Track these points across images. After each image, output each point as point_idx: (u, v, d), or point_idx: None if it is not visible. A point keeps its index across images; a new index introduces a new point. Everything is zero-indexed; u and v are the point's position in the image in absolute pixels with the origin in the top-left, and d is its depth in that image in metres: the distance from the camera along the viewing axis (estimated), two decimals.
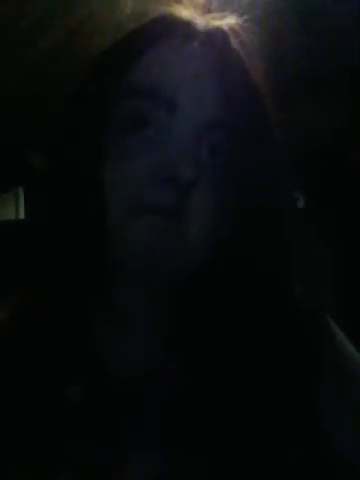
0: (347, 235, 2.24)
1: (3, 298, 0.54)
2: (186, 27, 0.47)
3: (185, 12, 0.48)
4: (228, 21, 0.47)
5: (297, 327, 0.49)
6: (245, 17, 0.47)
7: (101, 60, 0.49)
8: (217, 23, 0.47)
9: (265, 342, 0.47)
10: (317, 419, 0.46)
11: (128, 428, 0.45)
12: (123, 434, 0.45)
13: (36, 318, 0.51)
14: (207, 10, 0.49)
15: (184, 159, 0.44)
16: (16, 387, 0.47)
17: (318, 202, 2.36)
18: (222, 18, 0.48)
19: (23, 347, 0.49)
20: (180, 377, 0.46)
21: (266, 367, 0.46)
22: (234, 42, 0.46)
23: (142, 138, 0.45)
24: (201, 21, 0.47)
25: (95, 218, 0.46)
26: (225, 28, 0.46)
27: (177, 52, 0.46)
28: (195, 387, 0.45)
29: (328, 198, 2.33)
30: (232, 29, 0.47)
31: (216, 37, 0.46)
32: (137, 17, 0.48)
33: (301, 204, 2.40)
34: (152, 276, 0.47)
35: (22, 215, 2.96)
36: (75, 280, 0.50)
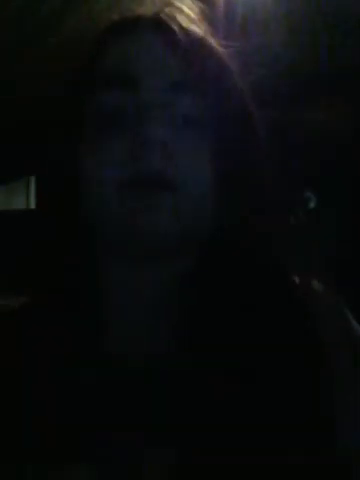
0: (358, 235, 2.22)
1: (14, 287, 0.55)
2: (131, 21, 0.51)
3: (138, 10, 0.53)
4: (172, 2, 0.52)
5: (307, 314, 0.48)
6: None
7: (79, 62, 0.54)
8: (160, 8, 0.52)
9: (274, 331, 0.47)
10: (327, 412, 0.45)
11: (137, 414, 0.45)
12: (132, 419, 0.45)
13: (44, 305, 0.51)
14: None
15: (152, 121, 0.46)
16: (27, 376, 0.48)
17: (329, 203, 2.35)
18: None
19: (33, 334, 0.50)
20: (188, 363, 0.46)
21: (275, 356, 0.46)
22: (180, 18, 0.50)
23: (116, 122, 0.48)
24: (149, 12, 0.52)
25: (87, 205, 0.49)
26: (167, 10, 0.51)
27: (128, 42, 0.50)
28: (206, 379, 0.45)
29: (339, 199, 2.32)
30: (175, 8, 0.51)
31: (160, 19, 0.50)
32: None
33: (312, 204, 2.40)
34: (159, 251, 0.47)
35: (33, 203, 2.97)
36: (79, 269, 0.51)
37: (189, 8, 0.52)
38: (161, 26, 0.49)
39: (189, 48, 0.48)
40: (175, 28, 0.49)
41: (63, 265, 0.52)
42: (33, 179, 2.95)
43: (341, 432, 0.46)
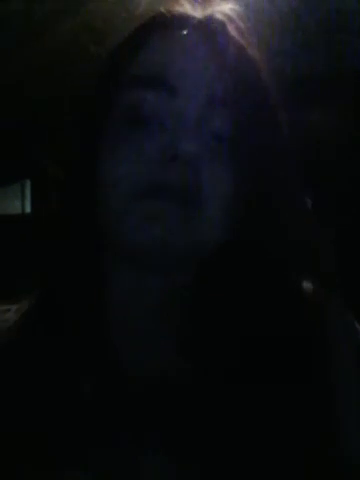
0: (353, 236, 2.23)
1: (11, 294, 0.55)
2: (180, 19, 0.49)
3: (180, 7, 0.50)
4: (222, 8, 0.50)
5: (315, 326, 0.48)
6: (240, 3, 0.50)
7: (107, 57, 0.52)
8: (211, 11, 0.49)
9: (280, 341, 0.47)
10: (330, 420, 0.46)
11: (140, 427, 0.45)
12: (135, 433, 0.45)
13: (48, 316, 0.51)
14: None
15: (187, 136, 0.45)
16: (30, 386, 0.48)
17: (324, 204, 2.35)
18: (218, 6, 0.50)
19: (37, 346, 0.50)
20: (193, 377, 0.46)
21: (280, 368, 0.46)
22: (230, 27, 0.48)
23: (145, 126, 0.46)
24: (196, 12, 0.50)
25: (99, 208, 0.48)
26: (218, 15, 0.49)
27: (173, 42, 0.48)
28: (208, 388, 0.45)
29: (334, 200, 2.32)
30: (226, 15, 0.49)
31: (210, 24, 0.48)
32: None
33: (308, 205, 2.40)
34: (164, 263, 0.47)
35: (28, 207, 2.96)
36: (84, 274, 0.51)
37: (238, 17, 0.49)
38: (210, 32, 0.47)
39: (233, 62, 0.46)
40: (224, 38, 0.47)
41: (67, 271, 0.52)
42: (28, 183, 2.95)
43: (345, 435, 0.45)
